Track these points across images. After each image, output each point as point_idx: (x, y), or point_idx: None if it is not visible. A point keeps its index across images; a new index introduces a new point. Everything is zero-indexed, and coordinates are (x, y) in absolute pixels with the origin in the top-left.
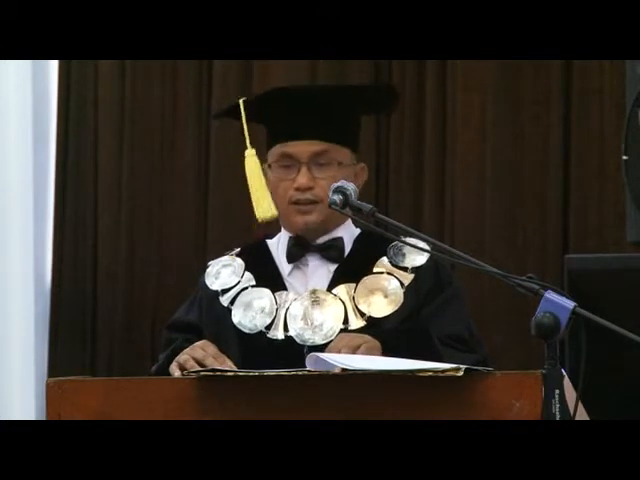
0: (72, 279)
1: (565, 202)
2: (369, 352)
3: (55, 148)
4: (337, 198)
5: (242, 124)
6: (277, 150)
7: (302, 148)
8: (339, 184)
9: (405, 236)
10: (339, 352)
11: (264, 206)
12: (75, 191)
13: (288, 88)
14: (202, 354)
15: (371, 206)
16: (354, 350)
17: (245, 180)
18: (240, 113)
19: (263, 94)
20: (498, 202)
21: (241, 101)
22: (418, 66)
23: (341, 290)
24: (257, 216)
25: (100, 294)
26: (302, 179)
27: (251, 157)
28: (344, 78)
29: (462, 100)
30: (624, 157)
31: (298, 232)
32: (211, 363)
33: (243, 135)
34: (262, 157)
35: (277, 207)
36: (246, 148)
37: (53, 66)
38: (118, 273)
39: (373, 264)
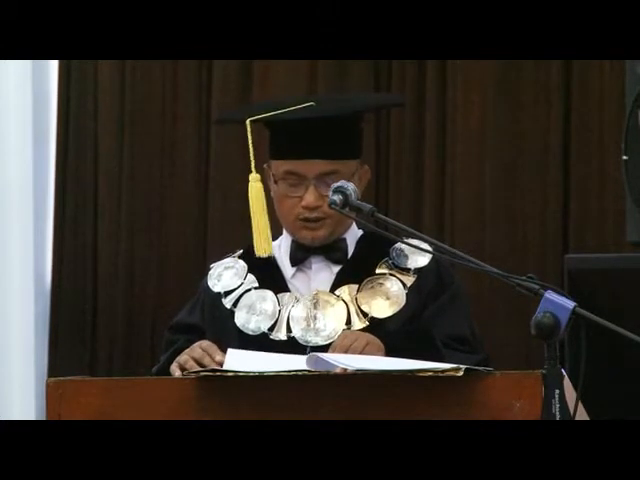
0: (72, 279)
1: (565, 202)
2: (372, 353)
3: (55, 148)
4: (337, 198)
5: (248, 146)
6: (283, 166)
7: (309, 167)
8: (339, 184)
9: (405, 236)
10: (345, 352)
11: (264, 245)
12: (75, 191)
13: (297, 113)
14: (200, 353)
15: (371, 206)
16: (360, 352)
17: (244, 182)
18: (244, 123)
19: (269, 117)
20: (498, 202)
21: (248, 122)
22: (418, 66)
23: (344, 291)
24: (256, 253)
25: (100, 294)
26: (310, 198)
27: (255, 183)
28: (344, 78)
29: (462, 100)
30: (624, 157)
31: (307, 244)
32: (209, 362)
33: (248, 157)
34: (261, 153)
35: (282, 218)
36: (250, 171)
37: (53, 66)
38: (118, 273)
39: (375, 265)
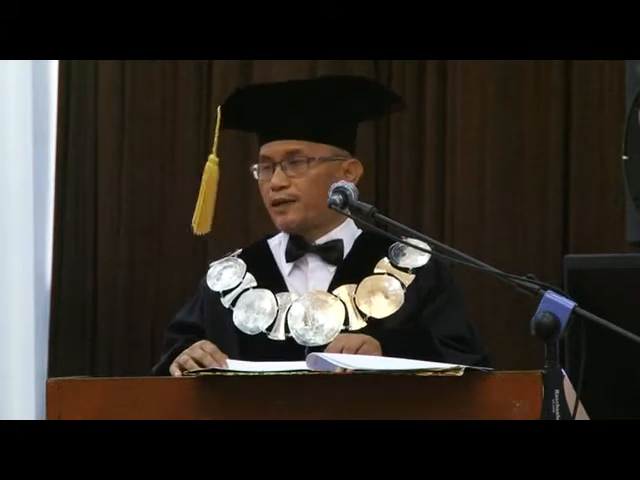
0: (72, 279)
1: (565, 202)
2: (369, 352)
3: (55, 148)
4: (337, 198)
5: (215, 128)
6: (260, 152)
7: (275, 148)
8: (339, 184)
9: (405, 236)
10: (339, 352)
11: (202, 223)
12: (75, 191)
13: (255, 86)
14: (201, 353)
15: (371, 206)
16: (355, 351)
17: (244, 182)
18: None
19: (233, 95)
20: (498, 202)
21: (219, 108)
22: (418, 66)
23: (342, 291)
24: (194, 226)
25: (100, 294)
26: (275, 179)
27: (212, 164)
28: None
29: (462, 100)
30: (624, 157)
31: (286, 231)
32: (209, 362)
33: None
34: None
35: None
36: (212, 153)
37: (53, 66)
38: (118, 273)
39: (374, 265)
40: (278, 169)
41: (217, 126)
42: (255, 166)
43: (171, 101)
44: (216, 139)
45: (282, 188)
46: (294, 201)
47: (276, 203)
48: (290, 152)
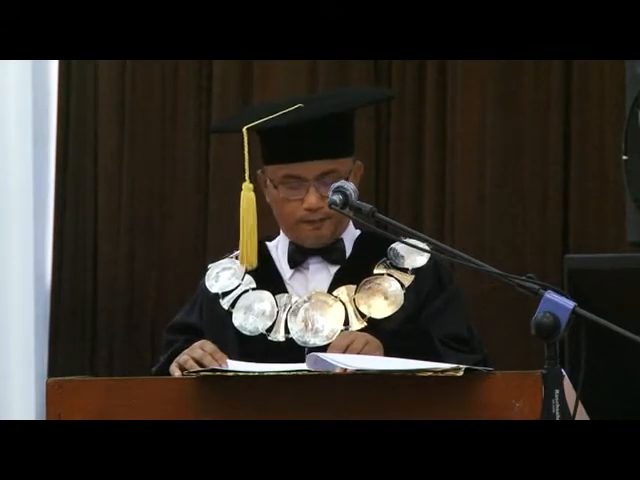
0: (72, 279)
1: (565, 202)
2: (371, 352)
3: (55, 148)
4: (337, 198)
5: (243, 155)
6: (281, 171)
7: (308, 169)
8: (339, 184)
9: (405, 236)
10: (343, 351)
11: (250, 258)
12: (75, 191)
13: (287, 117)
14: (201, 353)
15: (371, 206)
16: (358, 352)
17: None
18: (239, 131)
19: (264, 123)
20: (498, 202)
21: (244, 131)
22: (418, 66)
23: (342, 292)
24: (241, 262)
25: (100, 294)
26: (312, 199)
27: (247, 191)
28: (344, 78)
29: (462, 100)
30: (624, 157)
31: (312, 245)
32: (209, 362)
33: (243, 166)
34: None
35: (283, 222)
36: (244, 180)
37: (53, 66)
38: (118, 273)
39: (373, 266)
40: (312, 189)
41: (245, 150)
42: (259, 172)
43: (171, 101)
44: (246, 164)
45: (318, 208)
46: (326, 219)
47: (310, 221)
48: (325, 172)
